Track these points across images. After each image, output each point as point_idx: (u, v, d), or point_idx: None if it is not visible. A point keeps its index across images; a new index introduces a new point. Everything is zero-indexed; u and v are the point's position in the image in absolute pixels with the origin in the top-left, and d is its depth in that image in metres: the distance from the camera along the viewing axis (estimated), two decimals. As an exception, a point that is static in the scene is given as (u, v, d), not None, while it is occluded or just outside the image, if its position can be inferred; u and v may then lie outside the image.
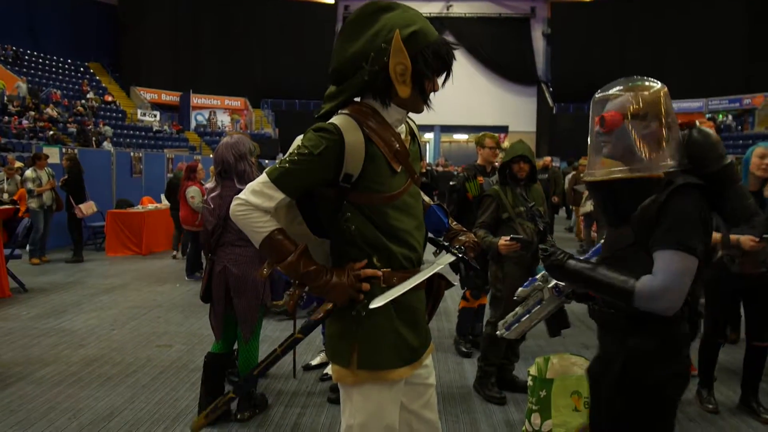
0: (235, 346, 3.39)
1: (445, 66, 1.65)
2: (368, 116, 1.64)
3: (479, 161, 4.44)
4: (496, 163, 4.59)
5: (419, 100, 1.66)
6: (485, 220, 3.57)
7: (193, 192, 6.88)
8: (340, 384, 1.72)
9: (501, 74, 29.49)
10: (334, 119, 1.63)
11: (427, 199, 2.01)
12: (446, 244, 1.90)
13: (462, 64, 27.40)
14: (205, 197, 3.26)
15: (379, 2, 1.67)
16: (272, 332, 4.96)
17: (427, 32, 1.62)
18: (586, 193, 10.10)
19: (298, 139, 1.68)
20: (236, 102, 28.42)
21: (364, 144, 1.60)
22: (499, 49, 29.04)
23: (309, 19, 28.61)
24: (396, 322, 1.67)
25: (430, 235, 1.92)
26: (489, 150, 4.39)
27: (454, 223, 2.00)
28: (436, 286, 1.85)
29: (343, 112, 1.66)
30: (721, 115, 25.20)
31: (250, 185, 1.60)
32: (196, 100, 27.73)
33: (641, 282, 1.51)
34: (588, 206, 10.24)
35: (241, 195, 1.59)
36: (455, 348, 4.62)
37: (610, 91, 1.68)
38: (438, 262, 1.81)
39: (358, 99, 1.70)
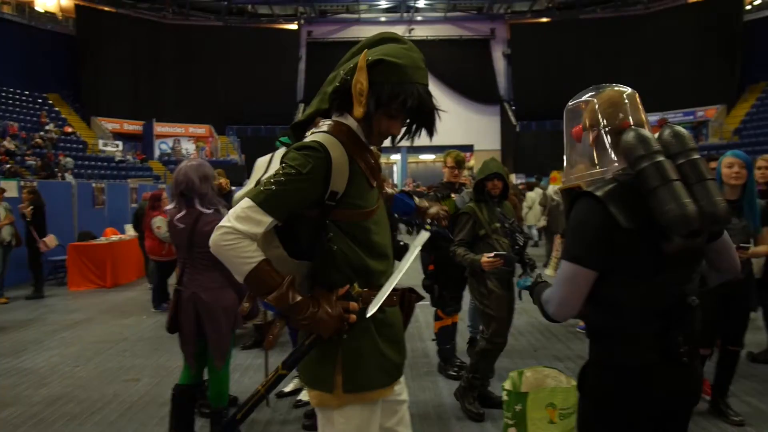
0: (205, 376, 3.30)
1: (401, 109, 1.60)
2: (345, 134, 1.64)
3: (446, 179, 4.49)
4: (463, 180, 4.65)
5: (373, 133, 1.64)
6: (463, 238, 3.60)
7: (159, 222, 6.74)
8: (320, 409, 1.68)
9: (465, 94, 30.00)
10: (315, 137, 1.60)
11: (390, 190, 2.03)
12: (418, 222, 1.92)
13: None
14: (171, 219, 3.14)
15: (389, 33, 1.71)
16: (243, 360, 4.86)
17: (402, 69, 1.58)
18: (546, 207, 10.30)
19: (261, 161, 1.67)
20: (201, 129, 28.14)
21: (347, 161, 1.60)
22: (462, 70, 29.59)
23: (272, 45, 28.70)
24: (378, 340, 1.66)
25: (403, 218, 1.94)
26: (448, 169, 4.45)
27: (418, 200, 2.02)
28: (407, 299, 1.84)
29: (321, 131, 1.64)
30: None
31: (233, 211, 1.53)
32: (159, 128, 27.37)
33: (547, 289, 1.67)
34: (543, 221, 10.42)
35: (225, 222, 1.51)
36: (442, 373, 4.48)
37: (580, 99, 1.71)
38: (415, 244, 1.83)
39: (335, 118, 1.68)
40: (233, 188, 11.57)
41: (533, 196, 11.74)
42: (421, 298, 1.90)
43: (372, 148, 1.78)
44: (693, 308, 1.54)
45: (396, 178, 29.15)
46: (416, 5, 29.52)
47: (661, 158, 1.48)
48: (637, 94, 1.66)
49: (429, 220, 1.91)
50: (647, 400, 1.55)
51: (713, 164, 3.63)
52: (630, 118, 1.59)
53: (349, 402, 1.62)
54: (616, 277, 1.52)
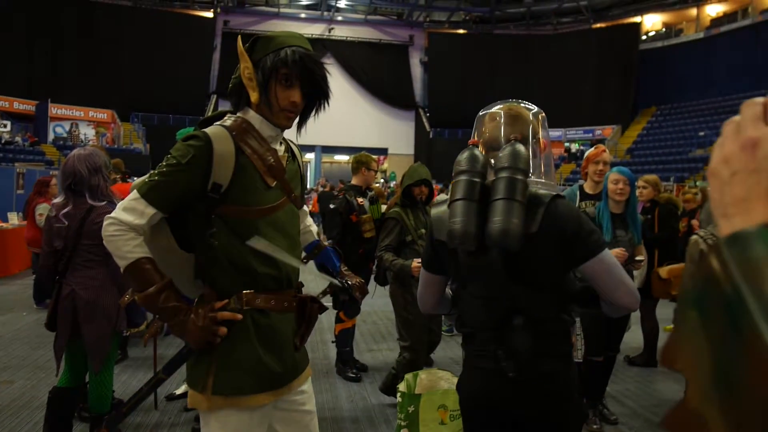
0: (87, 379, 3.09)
1: (292, 72, 1.60)
2: (243, 129, 1.63)
3: (357, 182, 4.40)
4: (375, 185, 4.67)
5: (275, 109, 1.63)
6: (390, 243, 3.58)
7: (42, 209, 6.21)
8: (200, 411, 1.64)
9: (381, 98, 30.30)
10: (206, 129, 1.61)
11: (319, 235, 2.06)
12: (335, 278, 1.96)
13: (343, 86, 27.80)
14: (56, 213, 2.92)
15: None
16: (133, 361, 4.60)
17: (277, 38, 1.64)
18: None
19: None
20: (102, 114, 26.38)
21: (234, 153, 1.58)
22: (379, 73, 29.88)
23: (185, 31, 27.50)
24: (255, 346, 1.60)
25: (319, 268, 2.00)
26: (374, 173, 4.41)
27: (345, 267, 2.04)
28: (308, 309, 1.77)
29: (219, 124, 1.64)
30: (577, 144, 27.78)
31: (122, 203, 1.55)
32: (55, 110, 25.34)
33: None
34: None
35: (113, 213, 1.53)
36: (341, 375, 4.46)
37: (492, 110, 1.75)
38: (324, 277, 1.89)
39: (238, 115, 1.68)
40: (135, 179, 10.98)
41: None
42: (324, 309, 1.86)
43: (292, 146, 1.80)
44: (515, 328, 1.56)
45: (310, 177, 28.87)
46: (337, 5, 29.45)
47: (463, 177, 1.57)
48: (516, 113, 1.69)
49: (346, 281, 1.95)
50: (476, 406, 1.68)
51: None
52: (479, 136, 1.70)
53: (218, 405, 1.58)
54: (455, 283, 1.72)
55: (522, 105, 1.75)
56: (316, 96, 1.72)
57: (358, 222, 4.17)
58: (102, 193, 2.88)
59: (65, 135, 25.67)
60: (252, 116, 1.65)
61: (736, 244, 0.46)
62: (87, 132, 26.00)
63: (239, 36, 1.68)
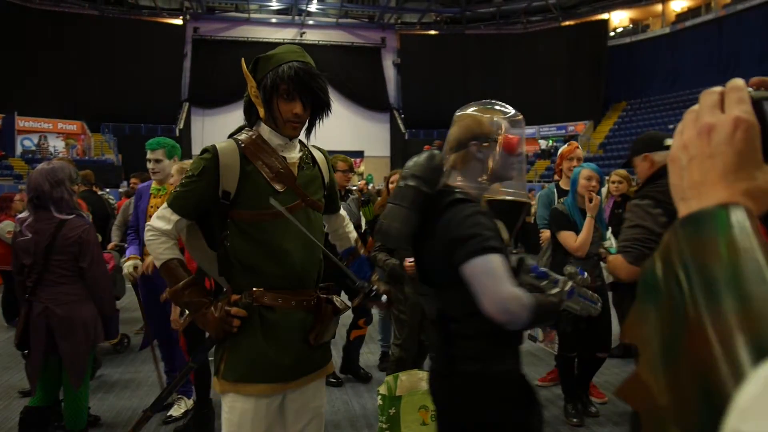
0: (62, 396, 3.02)
1: (290, 87, 1.75)
2: (253, 140, 1.82)
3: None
4: (352, 187, 4.65)
5: (279, 121, 1.81)
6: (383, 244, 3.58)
7: (8, 226, 6.03)
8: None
9: (355, 101, 30.28)
10: (217, 143, 1.83)
11: (357, 242, 2.17)
12: (366, 285, 2.02)
13: (317, 90, 27.67)
14: (20, 227, 2.87)
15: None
16: (109, 376, 4.52)
17: (275, 56, 1.80)
18: None
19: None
20: (72, 125, 25.88)
21: (239, 162, 1.77)
22: (353, 76, 29.85)
23: (155, 39, 27.12)
24: (259, 339, 1.77)
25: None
26: (341, 174, 4.19)
27: (376, 277, 2.11)
28: (323, 309, 1.89)
29: (233, 137, 1.85)
30: (551, 140, 28.11)
31: (156, 212, 1.82)
32: (22, 123, 24.77)
33: None
34: None
35: (150, 221, 1.83)
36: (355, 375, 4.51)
37: (467, 111, 1.77)
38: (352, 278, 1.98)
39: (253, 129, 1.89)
40: (107, 190, 10.81)
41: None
42: (339, 311, 1.95)
43: (315, 153, 1.98)
44: (430, 324, 1.73)
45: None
46: (308, 9, 29.35)
47: (401, 183, 1.70)
48: (458, 118, 1.75)
49: (375, 291, 2.02)
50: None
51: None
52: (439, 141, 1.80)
53: (226, 389, 1.78)
54: None
55: (489, 107, 1.77)
56: (318, 105, 1.88)
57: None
58: (68, 206, 2.83)
59: (34, 148, 25.11)
60: (263, 129, 1.85)
61: (689, 224, 0.48)
62: (56, 144, 25.48)
63: (242, 60, 1.88)
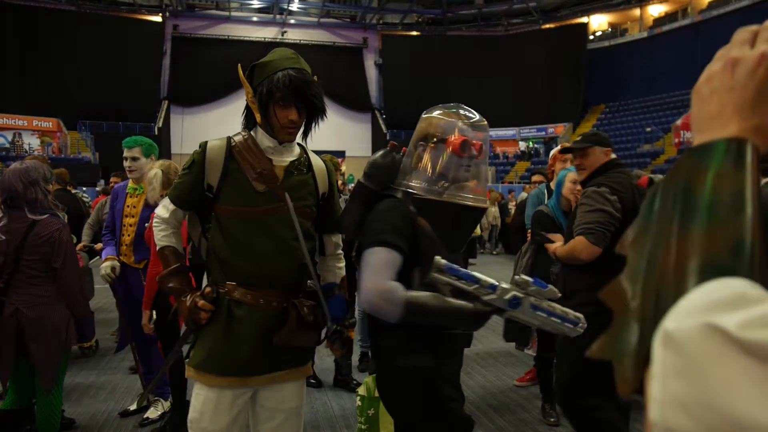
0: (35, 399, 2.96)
1: (285, 94, 1.80)
2: (244, 141, 1.90)
3: None
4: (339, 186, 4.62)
5: (275, 127, 1.85)
6: None
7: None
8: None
9: (337, 101, 30.14)
10: (209, 140, 1.92)
11: (343, 281, 2.12)
12: (333, 326, 2.02)
13: (298, 89, 27.53)
14: None
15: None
16: (85, 378, 4.44)
17: (270, 64, 1.85)
18: None
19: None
20: (47, 122, 25.38)
21: (223, 159, 1.85)
22: (334, 76, 29.66)
23: (133, 36, 26.72)
24: (220, 330, 1.82)
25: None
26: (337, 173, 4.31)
27: (349, 322, 2.10)
28: (288, 313, 1.88)
29: (229, 136, 1.94)
30: (530, 142, 28.37)
31: (162, 200, 1.98)
32: (-5, 119, 24.32)
33: None
34: None
35: (156, 209, 1.99)
36: (342, 387, 4.33)
37: (434, 114, 1.80)
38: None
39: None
40: (82, 189, 10.60)
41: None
42: (303, 319, 1.92)
43: (313, 159, 2.01)
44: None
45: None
46: (290, 8, 29.20)
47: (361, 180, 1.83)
48: (423, 118, 1.82)
49: (338, 334, 2.04)
50: None
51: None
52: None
53: (191, 376, 1.87)
54: None
55: (453, 110, 1.79)
56: (313, 111, 1.92)
57: None
58: (42, 206, 2.77)
59: (7, 146, 24.59)
60: (258, 131, 1.92)
61: (695, 154, 0.50)
62: (31, 142, 24.98)
63: (239, 67, 1.96)
